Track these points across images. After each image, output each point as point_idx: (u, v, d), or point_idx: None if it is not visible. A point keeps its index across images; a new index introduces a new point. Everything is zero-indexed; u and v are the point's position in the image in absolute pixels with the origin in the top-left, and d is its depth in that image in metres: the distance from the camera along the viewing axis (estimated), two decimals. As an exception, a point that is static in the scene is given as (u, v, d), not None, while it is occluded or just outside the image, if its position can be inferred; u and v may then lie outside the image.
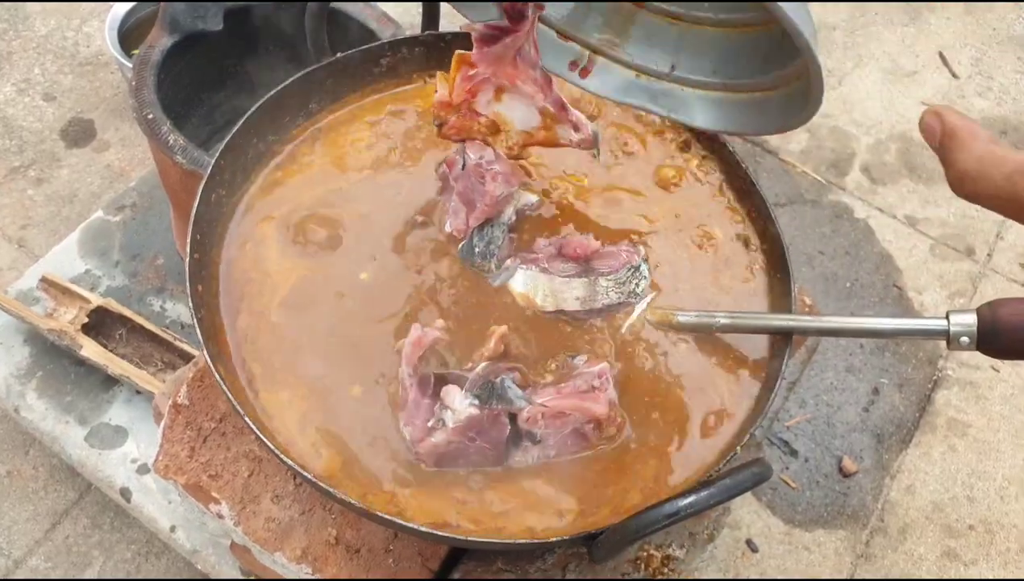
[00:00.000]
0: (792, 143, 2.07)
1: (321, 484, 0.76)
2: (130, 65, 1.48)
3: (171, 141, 1.28)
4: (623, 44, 0.96)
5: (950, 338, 0.78)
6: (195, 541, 1.26)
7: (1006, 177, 0.55)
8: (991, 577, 1.51)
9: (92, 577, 1.43)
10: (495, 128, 0.93)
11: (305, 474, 0.77)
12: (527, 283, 0.91)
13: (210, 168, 0.92)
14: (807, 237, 1.92)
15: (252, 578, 1.17)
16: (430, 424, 0.81)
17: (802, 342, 1.29)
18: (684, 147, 1.05)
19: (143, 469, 1.34)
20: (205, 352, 0.81)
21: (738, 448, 0.82)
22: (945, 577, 1.51)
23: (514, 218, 0.96)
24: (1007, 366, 1.75)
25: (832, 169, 2.04)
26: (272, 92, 0.98)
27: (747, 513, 1.53)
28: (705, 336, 0.90)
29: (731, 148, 1.01)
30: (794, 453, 1.61)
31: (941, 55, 2.29)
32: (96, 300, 1.46)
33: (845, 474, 1.59)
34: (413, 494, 0.80)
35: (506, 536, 0.78)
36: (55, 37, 2.15)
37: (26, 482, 1.51)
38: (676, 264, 0.96)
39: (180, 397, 1.00)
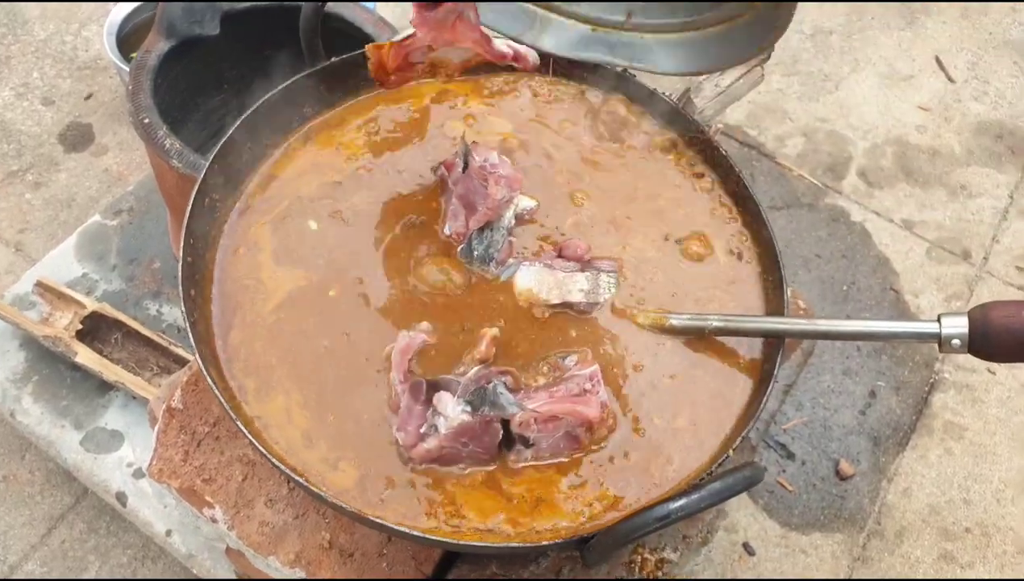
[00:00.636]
0: (788, 147, 2.07)
1: (313, 488, 0.77)
2: (128, 69, 1.48)
3: (167, 145, 1.28)
4: None
5: (942, 341, 0.78)
6: (191, 545, 1.26)
7: None
8: (987, 579, 1.51)
9: (91, 578, 1.43)
10: (433, 69, 0.93)
11: (298, 478, 0.77)
12: (532, 278, 0.92)
13: (203, 173, 0.93)
14: (804, 241, 1.92)
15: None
16: (423, 430, 0.81)
17: (798, 345, 1.29)
18: (670, 148, 1.05)
19: (139, 473, 1.35)
20: (198, 356, 0.82)
21: (731, 451, 0.82)
22: (941, 578, 1.50)
23: (513, 222, 0.96)
24: (1003, 369, 1.75)
25: (829, 173, 2.05)
26: (266, 96, 0.99)
27: (744, 516, 1.53)
28: (698, 339, 0.90)
29: (724, 152, 1.02)
30: (791, 456, 1.61)
31: (938, 59, 2.30)
32: (91, 305, 1.46)
33: (842, 477, 1.59)
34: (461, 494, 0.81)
35: (501, 540, 0.79)
36: (54, 41, 2.16)
37: (22, 487, 1.51)
38: (669, 266, 0.96)
39: (174, 401, 1.01)
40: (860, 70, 2.27)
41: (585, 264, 0.93)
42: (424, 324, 0.89)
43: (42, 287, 1.49)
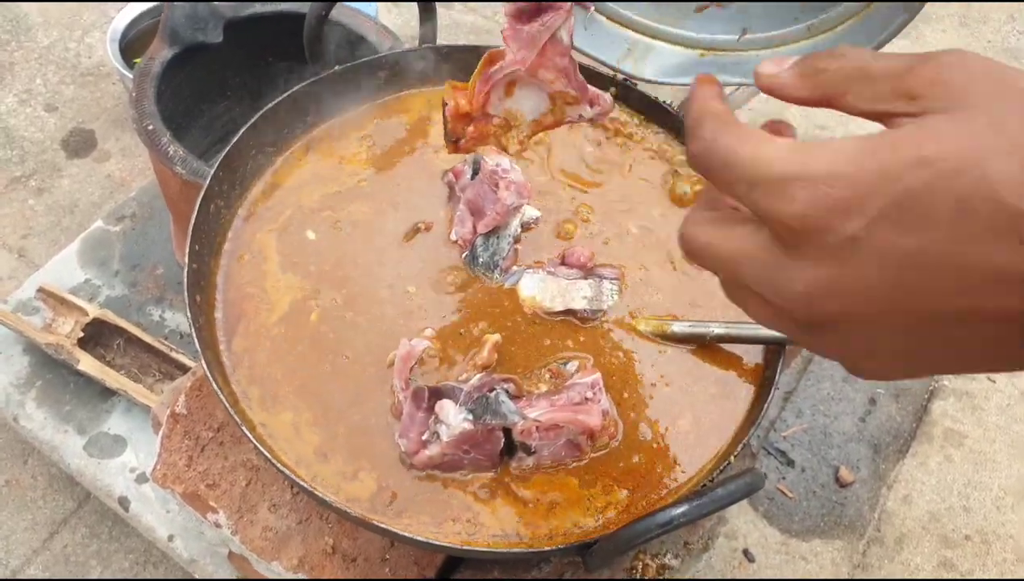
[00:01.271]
0: (789, 154, 2.08)
1: (318, 493, 0.77)
2: (131, 76, 1.49)
3: (171, 152, 1.29)
4: (684, 21, 0.85)
5: (941, 348, 0.78)
6: (193, 550, 1.27)
7: None
8: (987, 579, 1.51)
9: (95, 578, 1.43)
10: (507, 125, 0.91)
11: (302, 483, 0.77)
12: (536, 285, 0.92)
13: (208, 179, 0.93)
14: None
15: (249, 587, 1.17)
16: (425, 437, 0.81)
17: (798, 352, 1.30)
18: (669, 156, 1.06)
19: (142, 478, 1.35)
20: (203, 362, 0.82)
21: (732, 458, 0.83)
22: (941, 579, 1.51)
23: (519, 231, 0.97)
24: (1003, 377, 1.75)
25: (829, 180, 2.06)
26: (270, 104, 1.00)
27: (744, 523, 1.54)
28: (699, 346, 0.91)
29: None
30: (791, 463, 1.61)
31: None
32: (93, 311, 1.47)
33: (842, 484, 1.59)
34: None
35: (508, 545, 0.79)
36: (57, 48, 2.17)
37: (24, 491, 1.51)
38: (671, 274, 0.97)
39: (178, 406, 1.01)
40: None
41: (588, 272, 0.93)
42: (427, 330, 0.89)
43: (44, 293, 1.49)
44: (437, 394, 0.83)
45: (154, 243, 1.64)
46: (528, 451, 0.83)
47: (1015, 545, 1.55)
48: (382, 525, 0.76)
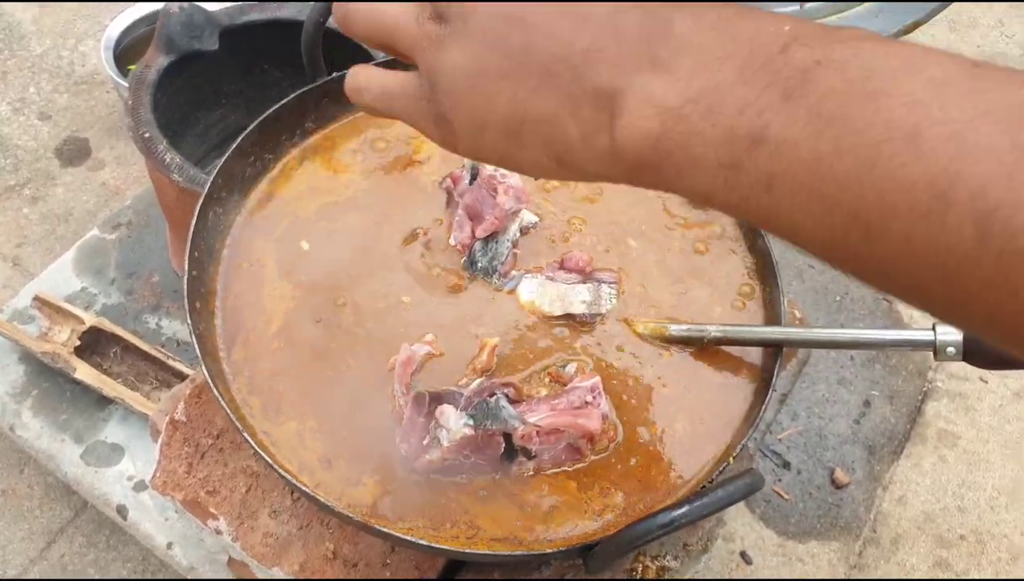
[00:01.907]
0: (781, 158, 2.09)
1: (319, 497, 0.77)
2: (125, 84, 1.49)
3: (168, 160, 1.29)
4: None
5: (936, 349, 0.79)
6: (192, 558, 1.27)
7: None
8: (982, 579, 1.53)
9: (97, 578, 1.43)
10: None
11: (302, 487, 0.77)
12: (535, 290, 0.93)
13: (208, 185, 0.93)
14: (797, 251, 1.94)
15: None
16: (425, 442, 0.82)
17: (793, 355, 1.31)
18: None
19: (140, 486, 1.35)
20: (204, 368, 0.82)
21: (731, 459, 0.83)
22: (936, 579, 1.52)
23: (518, 235, 0.97)
24: (995, 377, 1.77)
25: (821, 184, 2.07)
26: (270, 110, 1.00)
27: (741, 525, 1.54)
28: (697, 348, 0.92)
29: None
30: (787, 465, 1.62)
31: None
32: (89, 320, 1.47)
33: (837, 486, 1.60)
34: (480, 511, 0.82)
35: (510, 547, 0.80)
36: (50, 56, 2.17)
37: (21, 501, 1.51)
38: (668, 277, 0.97)
39: (178, 413, 1.01)
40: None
41: (587, 276, 0.94)
42: (427, 335, 0.90)
43: (40, 301, 1.49)
44: (438, 399, 0.83)
45: (150, 251, 1.64)
46: (528, 455, 0.83)
47: (1009, 544, 1.57)
48: (384, 529, 0.77)
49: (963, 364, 0.78)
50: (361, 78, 0.57)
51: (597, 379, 0.85)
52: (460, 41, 0.49)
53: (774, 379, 0.86)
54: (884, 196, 0.37)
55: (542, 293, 0.93)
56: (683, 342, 0.92)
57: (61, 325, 1.47)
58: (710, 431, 0.87)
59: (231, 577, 1.13)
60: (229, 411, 0.80)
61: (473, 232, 0.94)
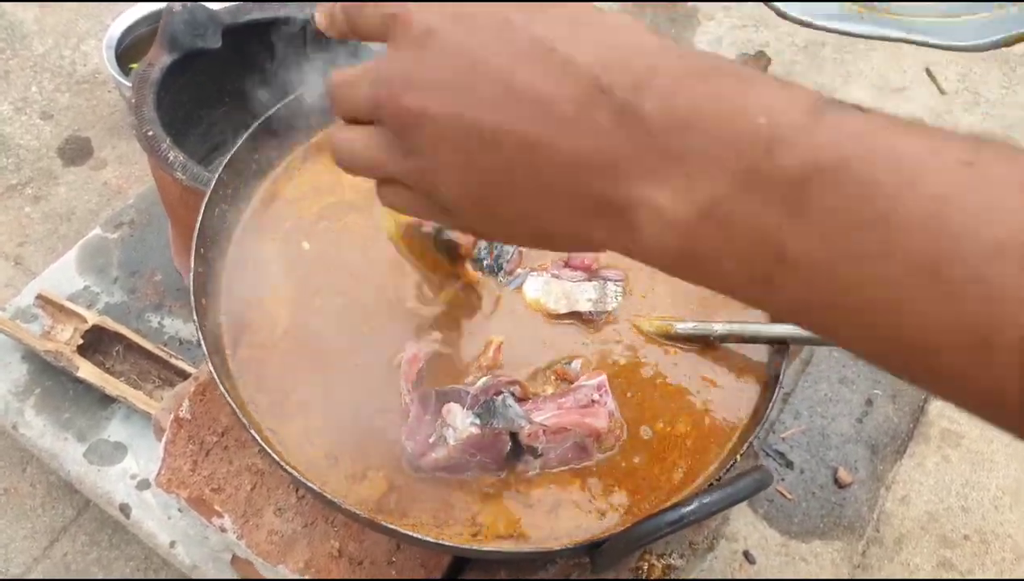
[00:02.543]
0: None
1: (325, 494, 0.77)
2: (127, 84, 1.49)
3: (171, 158, 1.29)
4: None
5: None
6: (195, 556, 1.26)
7: None
8: (985, 579, 1.52)
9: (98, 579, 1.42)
10: None
11: (309, 484, 0.77)
12: (540, 288, 0.93)
13: (213, 183, 0.93)
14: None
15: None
16: (431, 440, 0.82)
17: (796, 354, 1.31)
18: None
19: (143, 485, 1.35)
20: (210, 365, 0.82)
21: (738, 456, 0.83)
22: (938, 579, 1.52)
23: None
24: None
25: (823, 183, 2.07)
26: (273, 109, 1.00)
27: (744, 525, 1.54)
28: (703, 345, 0.91)
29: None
30: (790, 464, 1.62)
31: (928, 71, 2.33)
32: (92, 318, 1.47)
33: (840, 485, 1.60)
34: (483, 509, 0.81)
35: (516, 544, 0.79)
36: (52, 56, 2.17)
37: (23, 499, 1.51)
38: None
39: (182, 411, 1.01)
40: (852, 82, 2.30)
41: (592, 274, 0.94)
42: (433, 333, 0.90)
43: (43, 300, 1.49)
44: (444, 397, 0.83)
45: (152, 250, 1.64)
46: (535, 454, 0.83)
47: (1013, 544, 1.56)
48: (389, 525, 0.77)
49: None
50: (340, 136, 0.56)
51: (603, 377, 0.85)
52: (442, 175, 0.46)
53: (782, 375, 0.86)
54: (918, 333, 0.35)
55: (548, 291, 0.93)
56: (689, 340, 0.91)
57: (64, 324, 1.47)
58: (716, 428, 0.87)
59: (235, 576, 1.13)
60: (236, 408, 0.79)
61: (478, 230, 0.94)
